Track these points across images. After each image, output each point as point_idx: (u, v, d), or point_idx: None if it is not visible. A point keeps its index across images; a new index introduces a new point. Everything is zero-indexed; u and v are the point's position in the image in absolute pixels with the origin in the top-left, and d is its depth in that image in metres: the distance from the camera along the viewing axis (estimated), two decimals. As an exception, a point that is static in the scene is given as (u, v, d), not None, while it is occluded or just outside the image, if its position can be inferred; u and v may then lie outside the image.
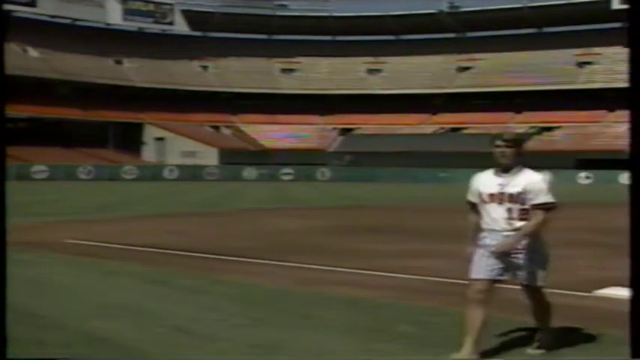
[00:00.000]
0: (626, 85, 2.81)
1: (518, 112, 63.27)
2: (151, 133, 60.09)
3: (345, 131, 65.53)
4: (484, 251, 4.22)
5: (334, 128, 66.01)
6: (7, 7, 53.57)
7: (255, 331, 4.96)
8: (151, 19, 70.37)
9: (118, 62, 67.14)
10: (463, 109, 63.27)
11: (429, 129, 63.43)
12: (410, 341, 4.66)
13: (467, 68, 68.72)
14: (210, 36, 73.43)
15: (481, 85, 65.42)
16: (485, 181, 4.28)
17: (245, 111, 66.60)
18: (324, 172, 53.09)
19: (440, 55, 69.78)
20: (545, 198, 4.17)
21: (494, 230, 4.18)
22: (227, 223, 15.71)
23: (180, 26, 71.77)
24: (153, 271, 8.08)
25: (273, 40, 74.07)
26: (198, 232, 13.13)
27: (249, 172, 51.65)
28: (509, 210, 4.14)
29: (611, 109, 57.57)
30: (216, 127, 64.93)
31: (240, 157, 55.30)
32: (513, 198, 4.14)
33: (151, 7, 69.78)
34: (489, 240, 4.20)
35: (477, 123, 61.56)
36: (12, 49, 53.68)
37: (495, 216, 4.17)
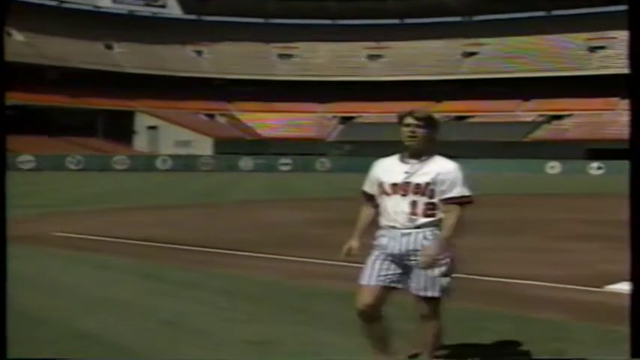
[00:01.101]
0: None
1: (527, 99, 63.24)
2: (142, 121, 60.02)
3: (345, 120, 65.49)
4: (379, 253, 3.69)
5: (334, 116, 65.99)
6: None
7: (249, 326, 4.98)
8: (142, 2, 70.17)
9: (108, 47, 67.01)
10: (468, 96, 63.21)
11: (433, 117, 63.37)
12: (411, 338, 4.67)
13: (473, 54, 68.62)
14: (205, 20, 73.21)
15: (487, 71, 65.34)
16: (389, 169, 3.70)
17: (241, 98, 66.53)
18: (323, 163, 53.11)
19: (444, 39, 69.66)
20: (461, 190, 3.60)
21: (393, 228, 3.63)
22: (222, 215, 15.75)
23: (173, 9, 71.58)
24: (144, 264, 8.12)
25: (270, 24, 73.88)
26: (192, 225, 13.16)
27: (246, 163, 51.66)
28: (413, 203, 3.57)
29: (625, 97, 57.52)
30: (211, 116, 64.86)
31: (235, 146, 55.28)
32: (420, 189, 3.57)
33: (143, -11, 69.68)
34: (386, 240, 3.67)
35: (483, 111, 61.54)
36: (-3, 33, 53.48)
37: (396, 209, 3.61)
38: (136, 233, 11.23)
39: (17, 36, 60.55)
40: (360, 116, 65.62)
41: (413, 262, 3.58)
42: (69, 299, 6.06)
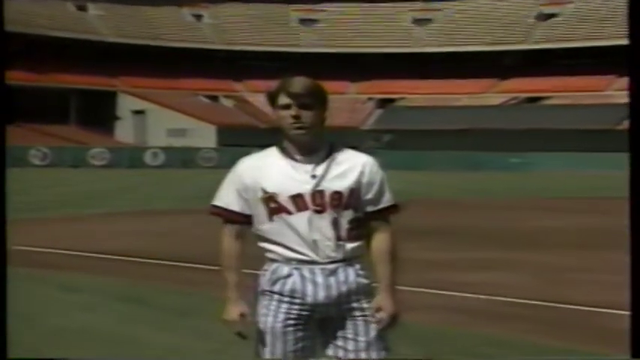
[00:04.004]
0: None
1: (622, 75, 62.66)
2: (126, 104, 60.45)
3: (385, 102, 65.42)
4: (287, 308, 2.99)
5: (370, 98, 65.96)
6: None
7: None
8: (126, -47, 70.68)
9: (81, 8, 67.46)
10: (544, 72, 62.84)
11: (496, 99, 63.07)
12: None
13: (550, 15, 68.18)
14: (205, -25, 73.53)
15: (569, 38, 64.89)
16: (278, 173, 3.01)
17: (252, 75, 66.68)
18: (356, 157, 53.11)
19: (513, -2, 69.42)
20: (390, 197, 3.09)
21: (308, 263, 2.97)
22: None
23: (165, -38, 71.99)
24: (127, 286, 8.17)
25: (288, -21, 74.12)
26: (188, 235, 13.21)
27: (257, 157, 51.78)
28: (335, 223, 2.96)
29: None
30: (214, 97, 65.15)
31: (244, 136, 55.33)
32: (341, 200, 2.97)
33: (127, -64, 70.14)
34: (299, 282, 2.98)
35: (564, 91, 61.11)
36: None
37: (314, 234, 2.95)
38: (117, 246, 11.31)
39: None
40: (404, 98, 65.50)
41: (346, 313, 3.00)
42: (30, 329, 6.10)
